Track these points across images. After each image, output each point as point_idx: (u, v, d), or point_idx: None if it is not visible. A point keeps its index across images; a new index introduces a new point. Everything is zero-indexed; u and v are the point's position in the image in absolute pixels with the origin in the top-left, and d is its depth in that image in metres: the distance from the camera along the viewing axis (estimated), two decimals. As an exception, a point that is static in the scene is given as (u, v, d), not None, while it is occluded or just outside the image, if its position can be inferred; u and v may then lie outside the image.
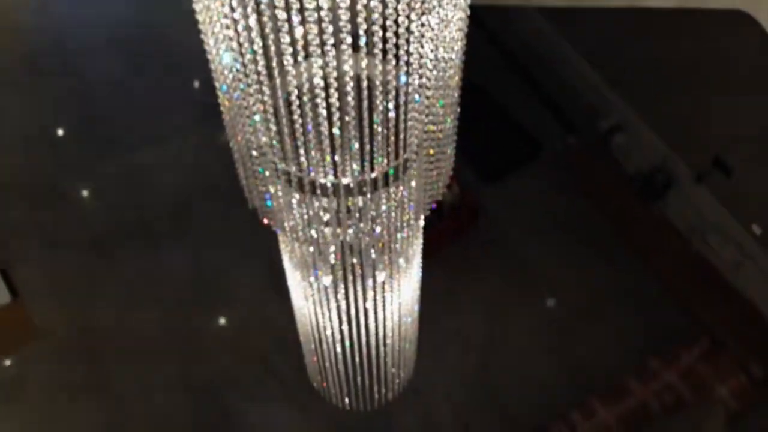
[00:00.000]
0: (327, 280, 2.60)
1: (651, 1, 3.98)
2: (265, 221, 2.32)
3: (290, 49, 1.61)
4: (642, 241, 7.18)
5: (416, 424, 6.59)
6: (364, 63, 1.78)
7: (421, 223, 2.63)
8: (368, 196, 2.10)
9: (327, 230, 2.27)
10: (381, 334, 2.85)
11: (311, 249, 2.42)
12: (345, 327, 2.79)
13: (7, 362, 7.08)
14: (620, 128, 7.48)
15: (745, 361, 6.31)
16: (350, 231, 2.25)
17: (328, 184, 2.01)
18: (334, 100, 1.75)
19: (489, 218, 7.53)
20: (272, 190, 2.14)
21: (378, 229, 2.28)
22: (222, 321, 7.20)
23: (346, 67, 1.64)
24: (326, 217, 2.20)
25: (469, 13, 1.86)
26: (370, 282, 2.63)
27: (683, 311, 6.88)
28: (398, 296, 2.72)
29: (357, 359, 2.98)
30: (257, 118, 1.89)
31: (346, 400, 3.31)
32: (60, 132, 8.49)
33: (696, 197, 6.95)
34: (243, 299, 7.23)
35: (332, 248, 2.39)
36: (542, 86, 8.11)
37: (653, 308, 7.00)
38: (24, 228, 7.77)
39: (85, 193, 8.09)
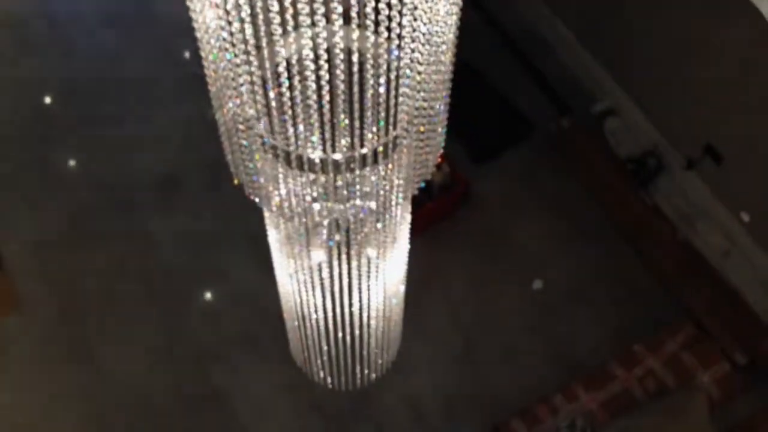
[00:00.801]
0: (318, 256, 2.57)
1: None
2: (251, 197, 2.29)
3: (278, 19, 1.56)
4: (631, 226, 7.17)
5: (399, 402, 6.60)
6: (354, 36, 1.73)
7: (409, 202, 2.59)
8: (356, 172, 2.06)
9: (315, 206, 2.23)
10: (365, 314, 2.82)
11: (298, 225, 2.38)
12: (329, 305, 2.76)
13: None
14: (613, 112, 7.45)
15: (729, 349, 6.33)
16: (338, 207, 2.22)
17: (316, 160, 1.97)
18: (323, 72, 1.71)
19: (479, 198, 7.50)
20: (258, 164, 2.09)
21: (368, 205, 2.25)
22: (208, 295, 7.16)
23: (336, 40, 1.59)
24: (313, 192, 2.17)
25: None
26: (355, 261, 2.60)
27: (670, 297, 6.89)
28: (383, 276, 2.69)
29: (340, 338, 2.95)
30: (243, 89, 1.84)
31: (329, 379, 3.28)
32: (47, 100, 8.40)
33: (686, 183, 6.95)
34: (230, 274, 7.19)
35: (325, 223, 2.36)
36: (536, 67, 8.06)
37: (640, 293, 7.00)
38: (9, 198, 7.69)
39: (71, 163, 8.00)
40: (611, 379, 6.23)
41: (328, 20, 1.55)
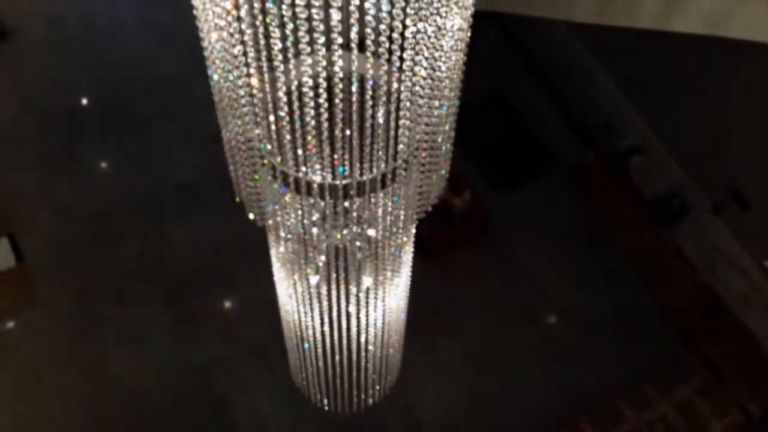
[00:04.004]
0: (314, 279, 2.56)
1: (677, 25, 3.89)
2: (251, 215, 2.29)
3: (279, 45, 1.57)
4: (650, 266, 7.08)
5: (402, 427, 6.54)
6: (354, 61, 1.72)
7: (413, 230, 2.58)
8: (355, 199, 2.05)
9: (315, 230, 2.23)
10: (363, 339, 2.80)
11: (297, 247, 2.38)
12: (327, 329, 2.75)
13: (11, 324, 7.11)
14: (640, 150, 7.38)
15: (743, 398, 6.21)
16: (337, 233, 2.21)
17: (315, 184, 1.97)
18: (322, 100, 1.71)
19: (498, 228, 7.46)
20: (258, 184, 2.10)
21: (367, 232, 2.24)
22: (221, 304, 7.19)
23: (335, 66, 1.60)
24: (312, 216, 2.16)
25: (470, 24, 1.81)
26: (353, 287, 2.59)
27: (686, 341, 6.79)
28: (383, 303, 2.67)
29: (337, 362, 2.94)
30: (245, 110, 1.85)
31: (325, 401, 3.27)
32: (84, 101, 8.55)
33: (710, 227, 6.85)
34: (245, 284, 7.21)
35: (324, 246, 2.35)
36: (565, 99, 8.03)
37: (655, 335, 6.91)
38: (37, 195, 7.81)
39: (99, 164, 8.12)
40: (620, 420, 6.14)
41: (329, 47, 1.55)
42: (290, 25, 1.50)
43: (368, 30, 1.54)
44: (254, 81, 1.74)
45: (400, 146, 1.89)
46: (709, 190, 6.79)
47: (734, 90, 6.23)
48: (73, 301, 7.15)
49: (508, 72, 8.42)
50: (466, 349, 6.89)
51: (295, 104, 1.75)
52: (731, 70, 6.15)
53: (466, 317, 7.04)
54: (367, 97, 1.71)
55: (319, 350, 2.93)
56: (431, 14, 1.59)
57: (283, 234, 2.14)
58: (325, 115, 1.77)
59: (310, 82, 1.65)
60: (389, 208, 2.15)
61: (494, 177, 7.59)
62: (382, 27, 1.53)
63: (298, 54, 1.62)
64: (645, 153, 7.37)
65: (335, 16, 1.48)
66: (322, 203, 2.07)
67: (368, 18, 1.49)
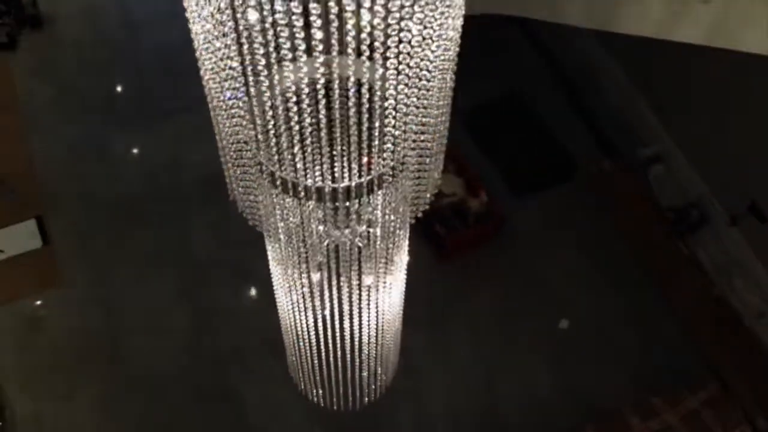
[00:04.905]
0: (315, 277, 2.60)
1: (678, 35, 3.88)
2: (244, 214, 2.33)
3: (262, 50, 1.60)
4: (666, 275, 7.04)
5: (410, 424, 6.58)
6: (336, 63, 1.74)
7: (407, 232, 2.61)
8: (343, 201, 2.09)
9: (311, 231, 2.26)
10: (357, 339, 2.84)
11: (293, 248, 2.42)
12: (321, 327, 2.79)
13: (37, 302, 7.27)
14: (660, 159, 7.34)
15: (751, 412, 6.15)
16: (321, 230, 2.25)
17: (301, 185, 2.00)
18: (305, 106, 1.74)
19: (514, 231, 7.45)
20: (249, 184, 2.14)
21: (361, 231, 2.28)
22: (239, 294, 7.26)
23: (318, 71, 1.63)
24: (304, 216, 2.20)
25: (459, 32, 1.83)
26: (351, 286, 2.63)
27: (697, 351, 6.74)
28: (376, 303, 2.70)
29: (332, 360, 2.97)
30: (233, 112, 1.89)
31: (321, 399, 3.31)
32: (119, 89, 8.70)
33: (727, 239, 6.79)
34: (261, 276, 7.26)
35: (322, 245, 2.38)
36: (586, 105, 8.00)
37: (667, 344, 6.87)
38: (65, 178, 7.96)
39: (128, 151, 8.25)
40: (626, 429, 6.11)
41: (310, 52, 1.58)
42: (270, 32, 1.53)
43: (350, 36, 1.56)
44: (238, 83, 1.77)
45: (386, 153, 1.92)
46: (727, 201, 6.73)
47: (758, 102, 6.17)
48: (95, 285, 7.28)
49: (530, 75, 8.40)
50: (477, 350, 6.91)
51: (280, 108, 1.78)
52: (756, 82, 6.10)
53: (477, 318, 7.05)
54: (350, 103, 1.73)
55: (314, 348, 2.96)
56: (416, 22, 1.61)
57: (280, 236, 2.19)
58: (309, 120, 1.80)
59: (293, 88, 1.68)
60: (384, 210, 2.18)
61: (513, 180, 7.58)
62: (365, 33, 1.56)
63: (280, 61, 1.65)
64: (665, 162, 7.33)
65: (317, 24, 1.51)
66: (311, 204, 2.10)
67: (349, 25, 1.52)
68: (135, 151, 8.30)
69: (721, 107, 6.54)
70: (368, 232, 2.30)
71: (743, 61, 4.34)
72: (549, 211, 7.59)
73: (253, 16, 1.52)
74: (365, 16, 1.52)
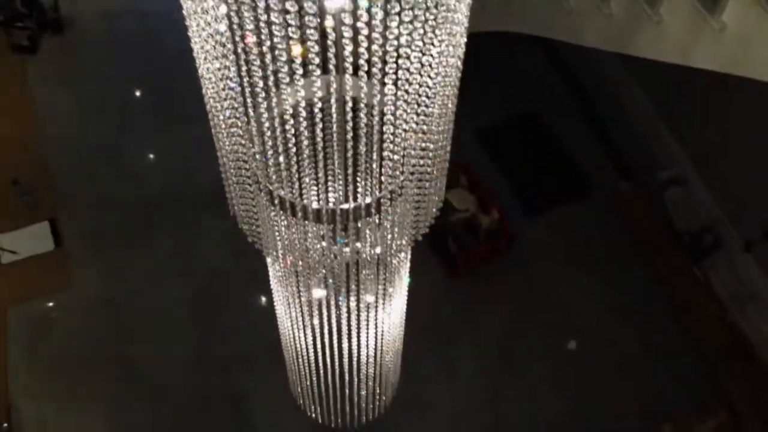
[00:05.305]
0: (317, 293, 2.59)
1: (698, 61, 3.86)
2: (244, 232, 2.33)
3: (260, 73, 1.60)
4: (678, 298, 6.97)
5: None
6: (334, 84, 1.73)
7: (408, 254, 2.59)
8: (341, 223, 2.08)
9: (314, 251, 2.26)
10: (355, 357, 2.82)
11: (295, 266, 2.41)
12: (320, 345, 2.77)
13: (49, 304, 7.30)
14: (677, 182, 7.27)
15: (760, 442, 6.08)
16: (322, 246, 2.24)
17: (298, 205, 2.00)
18: (302, 128, 1.73)
19: (527, 249, 7.41)
20: (248, 202, 2.14)
21: (363, 251, 2.27)
22: (247, 303, 7.25)
23: (315, 94, 1.63)
24: (302, 235, 2.19)
25: (460, 59, 1.82)
26: (350, 304, 2.61)
27: (707, 377, 6.65)
28: (375, 324, 2.69)
29: (330, 379, 2.96)
30: (233, 131, 1.89)
31: (320, 415, 3.29)
32: (137, 93, 8.75)
33: (741, 265, 6.71)
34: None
35: (325, 264, 2.37)
36: (605, 126, 7.95)
37: (676, 369, 6.78)
38: (81, 181, 8.01)
39: (143, 156, 8.29)
40: (633, 454, 6.05)
41: (306, 73, 1.57)
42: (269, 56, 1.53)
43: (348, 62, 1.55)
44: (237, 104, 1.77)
45: (384, 177, 1.91)
46: (742, 227, 6.66)
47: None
48: (106, 288, 7.31)
49: (550, 94, 8.37)
50: (484, 367, 6.86)
51: (278, 131, 1.77)
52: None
53: (486, 335, 7.01)
54: (349, 127, 1.72)
55: (313, 365, 2.95)
56: (414, 49, 1.60)
57: (275, 255, 2.18)
58: (306, 142, 1.80)
59: (290, 111, 1.68)
60: (383, 232, 2.17)
61: (527, 199, 7.54)
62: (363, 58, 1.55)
63: (278, 84, 1.64)
64: (682, 185, 7.26)
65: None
66: (309, 224, 2.09)
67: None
68: (151, 156, 8.34)
69: (740, 133, 6.47)
70: (368, 252, 2.28)
71: (764, 89, 4.30)
72: (562, 231, 7.54)
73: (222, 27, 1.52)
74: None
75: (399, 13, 1.46)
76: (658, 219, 7.22)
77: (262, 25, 1.45)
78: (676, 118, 7.30)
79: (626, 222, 7.40)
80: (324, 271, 2.41)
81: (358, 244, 2.22)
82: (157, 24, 9.31)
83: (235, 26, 1.54)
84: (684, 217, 7.12)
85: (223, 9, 1.50)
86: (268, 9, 1.41)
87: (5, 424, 6.52)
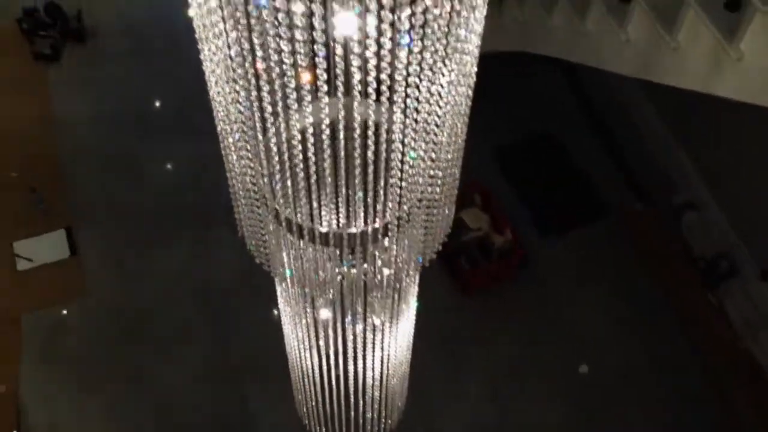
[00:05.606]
0: (324, 314, 2.59)
1: (717, 90, 3.84)
2: (251, 252, 2.33)
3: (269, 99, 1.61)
4: (691, 325, 6.91)
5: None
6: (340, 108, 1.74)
7: (416, 278, 2.59)
8: (349, 247, 2.08)
9: (321, 273, 2.26)
10: (360, 379, 2.81)
11: (306, 290, 2.41)
12: (326, 366, 2.77)
13: (64, 312, 7.35)
14: (693, 206, 7.22)
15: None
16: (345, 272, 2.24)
17: (305, 227, 2.00)
18: (310, 154, 1.74)
19: (540, 270, 7.38)
20: (255, 222, 2.14)
21: (370, 272, 2.27)
22: (260, 316, 7.25)
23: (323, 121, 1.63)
24: (311, 257, 2.19)
25: (471, 88, 1.82)
26: (357, 327, 2.61)
27: (721, 403, 6.58)
28: (381, 347, 2.68)
29: (335, 399, 2.95)
30: (243, 153, 1.90)
31: (324, 435, 3.28)
32: (157, 103, 8.82)
33: (756, 292, 6.65)
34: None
35: (331, 285, 2.37)
36: (622, 149, 7.92)
37: (689, 395, 6.71)
38: (97, 191, 8.06)
39: (159, 167, 8.33)
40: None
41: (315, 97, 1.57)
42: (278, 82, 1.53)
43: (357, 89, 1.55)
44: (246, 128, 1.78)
45: (390, 204, 1.91)
46: (759, 255, 6.60)
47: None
48: (119, 297, 7.34)
49: (566, 115, 8.36)
50: (493, 387, 6.82)
51: (286, 155, 1.78)
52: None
53: (497, 354, 6.97)
54: (357, 153, 1.72)
55: (318, 386, 2.94)
56: (423, 78, 1.60)
57: (287, 275, 2.19)
58: (315, 167, 1.80)
59: (299, 137, 1.68)
60: (390, 257, 2.17)
61: (542, 219, 7.52)
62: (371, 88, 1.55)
63: (287, 109, 1.64)
64: (698, 210, 7.21)
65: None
66: (313, 247, 2.10)
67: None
68: (168, 166, 8.38)
69: (758, 160, 6.42)
70: (375, 275, 2.28)
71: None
72: (575, 250, 7.50)
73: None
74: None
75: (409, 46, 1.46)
76: (673, 243, 7.17)
77: (271, 52, 1.46)
78: (692, 140, 7.26)
79: (640, 244, 7.36)
80: (332, 292, 2.41)
81: (365, 266, 2.23)
82: (180, 36, 9.36)
83: (245, 51, 1.55)
84: (700, 242, 7.07)
85: (234, 35, 1.51)
86: (278, 37, 1.41)
87: (15, 431, 6.56)
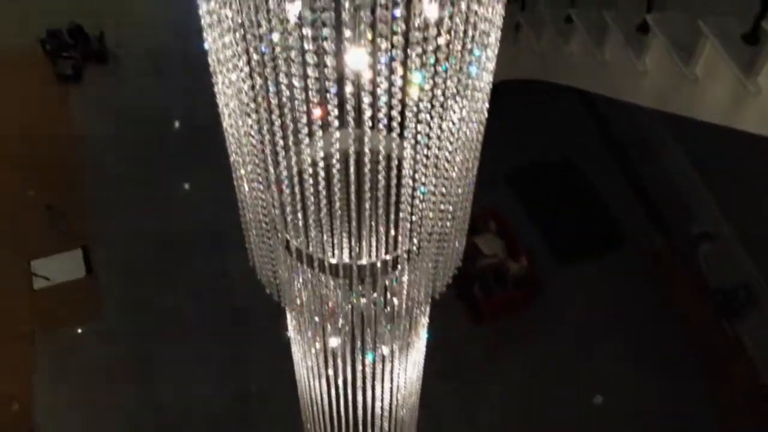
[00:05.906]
0: (334, 342, 2.59)
1: (737, 123, 3.81)
2: (262, 282, 2.34)
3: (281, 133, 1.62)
4: (708, 357, 6.83)
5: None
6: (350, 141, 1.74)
7: (426, 310, 2.58)
8: (361, 278, 2.08)
9: (330, 303, 2.26)
10: (369, 410, 2.80)
11: (316, 319, 2.41)
12: (334, 395, 2.76)
13: (79, 330, 7.37)
14: (711, 237, 7.16)
15: None
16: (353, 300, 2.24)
17: (315, 257, 2.01)
18: (321, 188, 1.74)
19: (555, 299, 7.32)
20: (268, 253, 2.15)
21: (380, 301, 2.27)
22: (270, 340, 7.24)
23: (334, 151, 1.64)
24: (321, 288, 2.19)
25: (482, 131, 1.83)
26: (364, 358, 2.60)
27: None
28: (391, 378, 2.67)
29: (344, 429, 2.94)
30: (255, 185, 1.90)
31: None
32: (175, 125, 8.90)
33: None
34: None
35: (341, 316, 2.37)
36: (641, 178, 7.88)
37: (704, 430, 6.61)
38: (114, 211, 8.12)
39: (177, 189, 8.38)
40: None
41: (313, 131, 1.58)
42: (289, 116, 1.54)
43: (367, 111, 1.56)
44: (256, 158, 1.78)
45: (401, 236, 1.91)
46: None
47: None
48: (134, 318, 7.36)
49: (584, 143, 8.34)
50: (505, 418, 6.75)
51: (296, 186, 1.79)
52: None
53: (510, 384, 6.91)
54: (367, 187, 1.73)
55: (327, 415, 2.93)
56: (434, 115, 1.61)
57: (297, 308, 2.19)
58: (326, 200, 1.80)
59: (310, 171, 1.69)
60: (400, 289, 2.17)
61: (558, 247, 7.48)
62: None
63: (297, 143, 1.65)
64: (716, 240, 7.15)
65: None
66: (323, 278, 2.10)
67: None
68: (186, 187, 8.43)
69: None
70: (384, 307, 2.28)
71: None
72: (592, 282, 7.44)
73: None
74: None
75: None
76: (691, 274, 7.11)
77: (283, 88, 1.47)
78: (711, 171, 7.22)
79: (657, 275, 7.30)
80: (341, 320, 2.41)
81: (375, 294, 2.22)
82: (201, 59, 9.44)
83: (257, 87, 1.56)
84: (717, 273, 7.01)
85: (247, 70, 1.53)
86: (289, 75, 1.42)
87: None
